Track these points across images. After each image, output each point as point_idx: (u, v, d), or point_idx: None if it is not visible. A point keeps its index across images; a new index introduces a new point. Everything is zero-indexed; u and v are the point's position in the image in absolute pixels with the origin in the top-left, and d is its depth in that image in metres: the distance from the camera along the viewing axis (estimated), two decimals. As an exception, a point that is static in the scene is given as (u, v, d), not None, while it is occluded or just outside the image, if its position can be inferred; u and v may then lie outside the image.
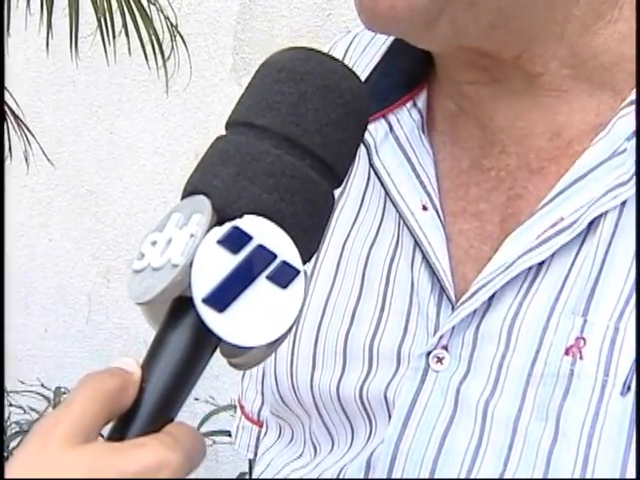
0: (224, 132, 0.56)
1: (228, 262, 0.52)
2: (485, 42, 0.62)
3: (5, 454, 2.37)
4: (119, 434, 0.51)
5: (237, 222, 0.52)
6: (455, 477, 0.60)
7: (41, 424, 0.50)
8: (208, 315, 0.51)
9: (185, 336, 0.52)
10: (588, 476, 0.58)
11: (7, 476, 0.49)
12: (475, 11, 0.60)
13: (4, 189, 2.00)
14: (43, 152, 1.99)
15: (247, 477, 2.25)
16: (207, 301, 0.51)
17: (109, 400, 0.50)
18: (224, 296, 0.51)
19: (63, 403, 0.50)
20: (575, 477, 0.58)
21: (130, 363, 0.51)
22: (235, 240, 0.52)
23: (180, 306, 0.52)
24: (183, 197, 0.55)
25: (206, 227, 0.52)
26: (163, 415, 0.51)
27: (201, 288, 0.51)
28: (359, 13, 0.62)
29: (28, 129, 1.94)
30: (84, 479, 0.48)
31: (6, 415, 2.45)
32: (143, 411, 0.51)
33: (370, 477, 0.63)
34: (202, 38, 2.42)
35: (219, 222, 0.53)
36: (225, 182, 0.53)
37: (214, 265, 0.51)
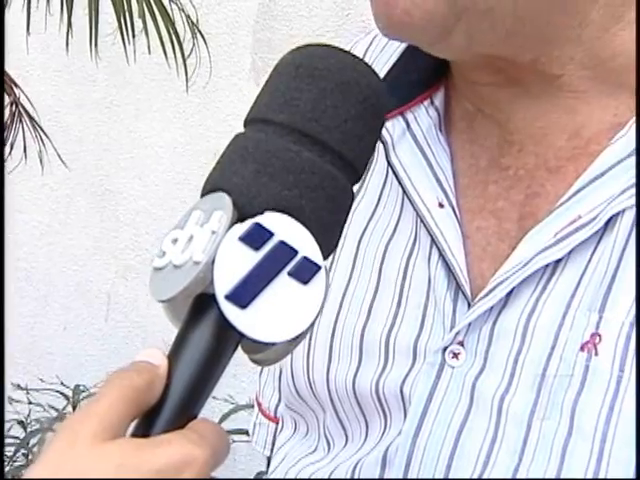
0: (243, 128, 0.56)
1: (250, 259, 0.52)
2: (501, 48, 0.62)
3: (25, 451, 2.39)
4: (143, 431, 0.51)
5: (258, 219, 0.52)
6: (471, 471, 0.61)
7: (69, 421, 0.50)
8: (230, 312, 0.51)
9: (208, 333, 0.52)
10: (603, 470, 0.58)
11: (36, 472, 0.49)
12: (492, 19, 0.60)
13: (4, 189, 2.02)
14: (58, 155, 2.00)
15: (264, 476, 2.24)
16: (229, 298, 0.51)
17: (136, 397, 0.50)
18: (246, 292, 0.51)
19: (91, 400, 0.51)
20: (590, 472, 0.58)
21: (156, 355, 0.52)
22: (256, 237, 0.52)
23: (202, 303, 0.52)
24: (203, 195, 0.55)
25: (227, 224, 0.52)
26: (187, 412, 0.51)
27: (223, 285, 0.51)
28: (375, 19, 0.62)
29: (42, 130, 1.95)
30: (112, 477, 0.48)
31: (26, 412, 2.47)
32: (167, 408, 0.51)
33: (387, 471, 0.63)
34: (221, 38, 2.43)
35: (240, 219, 0.53)
36: (245, 179, 0.53)
37: (236, 262, 0.52)
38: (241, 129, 0.56)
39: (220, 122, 2.44)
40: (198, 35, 1.86)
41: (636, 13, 0.63)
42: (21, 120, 2.00)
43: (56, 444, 0.50)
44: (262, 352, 0.54)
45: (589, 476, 0.58)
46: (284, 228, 0.52)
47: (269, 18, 2.41)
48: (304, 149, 0.54)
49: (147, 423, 0.51)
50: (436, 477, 0.61)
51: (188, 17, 1.86)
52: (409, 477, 0.62)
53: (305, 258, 0.52)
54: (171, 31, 1.80)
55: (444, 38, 0.60)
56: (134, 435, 0.51)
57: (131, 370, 0.51)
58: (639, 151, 0.61)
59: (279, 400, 0.74)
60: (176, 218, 0.55)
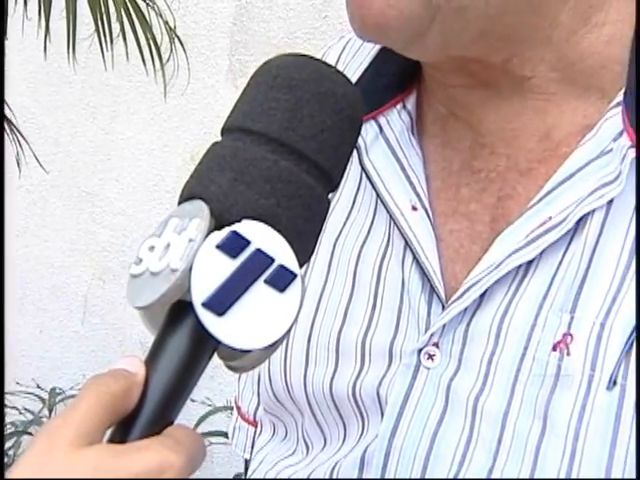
0: (220, 135, 0.57)
1: (227, 266, 0.52)
2: (474, 49, 0.62)
3: (0, 455, 2.38)
4: (120, 437, 0.51)
5: (235, 227, 0.53)
6: (447, 471, 0.61)
7: (46, 427, 0.51)
8: (207, 319, 0.51)
9: (184, 340, 0.52)
10: (575, 469, 0.59)
11: (13, 478, 0.50)
12: (464, 19, 0.60)
13: (4, 190, 2.01)
14: (35, 157, 2.00)
15: (243, 478, 2.25)
16: (206, 305, 0.52)
17: (113, 403, 0.50)
18: (223, 300, 0.52)
19: (68, 407, 0.51)
20: (563, 470, 0.59)
21: (134, 363, 0.52)
22: (233, 245, 0.53)
23: (179, 310, 0.53)
24: (180, 202, 0.56)
25: (205, 232, 0.53)
26: (164, 418, 0.52)
27: (200, 292, 0.52)
28: (351, 21, 0.62)
29: (20, 132, 1.95)
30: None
31: (1, 416, 2.46)
32: (144, 414, 0.51)
33: (365, 472, 0.64)
34: (198, 40, 2.43)
35: (217, 227, 0.53)
36: (223, 187, 0.54)
37: (213, 269, 0.52)
38: (218, 131, 0.57)
39: (197, 124, 2.44)
40: (176, 40, 1.86)
41: (636, 12, 0.64)
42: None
43: (33, 451, 0.50)
44: (238, 359, 0.54)
45: (562, 474, 0.59)
46: (261, 236, 0.53)
47: (246, 20, 2.41)
48: (281, 158, 0.54)
49: (124, 429, 0.51)
50: (412, 476, 0.62)
51: (166, 23, 1.86)
52: (386, 477, 0.62)
53: (281, 266, 0.53)
54: (149, 36, 1.80)
55: (419, 39, 0.61)
56: (111, 441, 0.51)
57: (108, 377, 0.51)
58: (639, 152, 0.61)
59: (258, 404, 0.75)
60: (153, 220, 0.55)
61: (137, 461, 0.49)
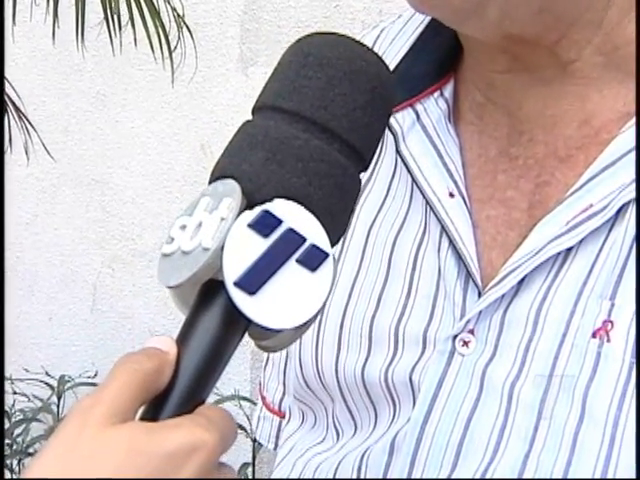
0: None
1: (259, 245, 0.52)
2: (529, 28, 0.62)
3: (9, 441, 2.38)
4: (152, 415, 0.51)
5: (267, 206, 0.53)
6: (480, 458, 0.61)
7: (78, 405, 0.50)
8: (239, 298, 0.51)
9: (216, 319, 0.52)
10: (614, 456, 0.58)
11: (44, 457, 0.49)
12: None
13: (4, 187, 2.01)
14: (44, 145, 1.99)
15: (250, 468, 2.26)
16: (238, 284, 0.51)
17: (145, 382, 0.50)
18: (255, 279, 0.52)
19: (100, 385, 0.51)
20: (601, 457, 0.59)
21: (166, 342, 0.52)
22: (265, 224, 0.52)
23: (210, 289, 0.52)
24: (211, 181, 0.55)
25: (237, 211, 0.52)
26: (195, 397, 0.52)
27: (232, 271, 0.51)
28: None
29: (28, 120, 1.94)
30: (122, 460, 0.48)
31: (10, 402, 2.46)
32: (176, 393, 0.51)
33: (394, 458, 0.63)
34: (209, 28, 2.42)
35: (248, 206, 0.53)
36: (254, 166, 0.54)
37: (245, 249, 0.52)
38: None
39: (207, 113, 2.43)
40: (184, 27, 1.85)
41: (636, 13, 0.63)
42: (6, 109, 1.99)
43: (65, 429, 0.50)
44: (269, 339, 0.54)
45: (600, 462, 0.59)
46: (293, 215, 0.53)
47: (257, 8, 2.41)
48: (313, 137, 0.54)
49: (155, 408, 0.51)
50: (444, 463, 0.61)
51: (174, 9, 1.85)
52: (416, 463, 0.62)
53: (313, 245, 0.53)
54: (157, 23, 1.80)
55: (477, 12, 0.60)
56: (142, 419, 0.51)
57: (140, 355, 0.51)
58: (639, 148, 0.61)
59: (283, 394, 0.75)
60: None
61: (170, 439, 0.49)
